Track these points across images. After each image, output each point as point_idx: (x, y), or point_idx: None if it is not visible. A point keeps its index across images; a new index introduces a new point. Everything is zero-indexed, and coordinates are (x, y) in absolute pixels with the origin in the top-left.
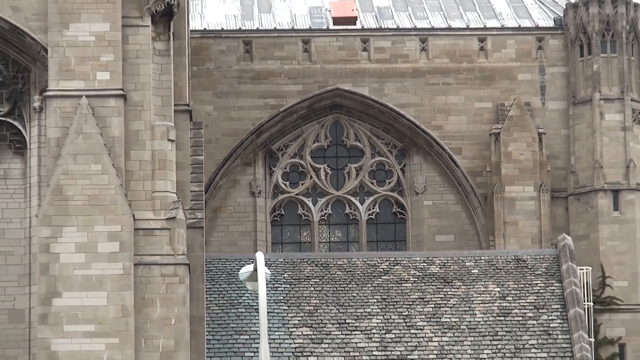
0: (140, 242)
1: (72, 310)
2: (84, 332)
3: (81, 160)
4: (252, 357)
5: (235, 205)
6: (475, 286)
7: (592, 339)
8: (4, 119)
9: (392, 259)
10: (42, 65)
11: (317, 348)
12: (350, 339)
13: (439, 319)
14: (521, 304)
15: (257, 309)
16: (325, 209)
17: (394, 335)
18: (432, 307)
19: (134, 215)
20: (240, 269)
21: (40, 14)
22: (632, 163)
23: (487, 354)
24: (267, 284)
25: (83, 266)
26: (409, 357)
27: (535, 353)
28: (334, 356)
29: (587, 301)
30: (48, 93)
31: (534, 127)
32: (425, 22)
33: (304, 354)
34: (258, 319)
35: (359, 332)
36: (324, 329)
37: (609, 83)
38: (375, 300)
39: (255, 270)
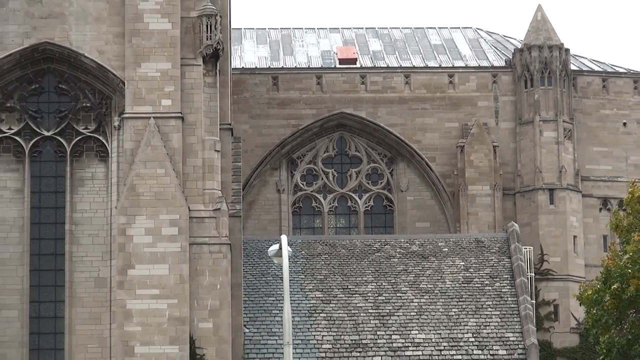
0: (193, 227)
1: (142, 279)
2: (151, 294)
3: (149, 166)
4: (277, 313)
5: (265, 200)
6: (446, 261)
7: (534, 301)
8: (91, 134)
9: (383, 240)
10: (120, 94)
11: (326, 307)
12: (351, 300)
13: (418, 285)
14: (480, 274)
15: (282, 277)
16: (333, 203)
17: (384, 298)
18: (412, 277)
19: (189, 207)
20: (269, 247)
21: (119, 56)
22: (563, 169)
23: (454, 312)
24: (288, 259)
25: (150, 245)
26: (395, 314)
27: (490, 312)
28: (339, 313)
29: (530, 272)
30: (125, 115)
31: (490, 142)
32: (408, 62)
33: (317, 311)
34: (282, 285)
35: (358, 295)
36: (331, 292)
37: (546, 108)
38: (370, 271)
39: (280, 248)
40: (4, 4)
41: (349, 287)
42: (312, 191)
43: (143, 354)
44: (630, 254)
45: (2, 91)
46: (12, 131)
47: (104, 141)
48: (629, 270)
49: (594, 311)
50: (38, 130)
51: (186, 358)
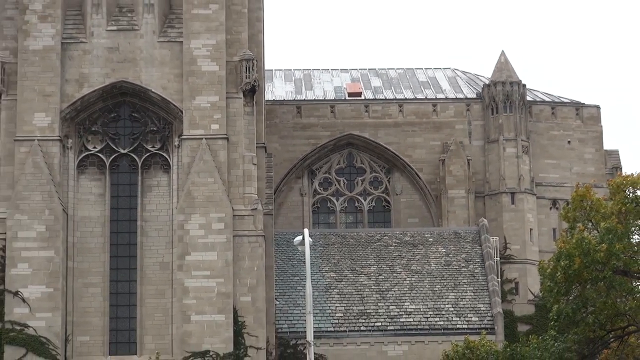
0: (236, 223)
1: (196, 263)
2: (203, 275)
3: (202, 176)
4: (301, 289)
5: (291, 202)
6: (431, 248)
7: (499, 279)
8: (157, 152)
9: (382, 233)
10: (179, 120)
11: (339, 284)
12: (358, 279)
13: (409, 267)
14: (457, 258)
15: (304, 261)
16: (343, 204)
17: (383, 277)
18: (405, 260)
19: (232, 208)
20: (294, 238)
21: (179, 91)
22: (522, 177)
23: (437, 288)
24: (309, 247)
25: (203, 237)
26: (392, 289)
27: (466, 288)
28: (348, 289)
29: (496, 257)
30: (183, 137)
31: (464, 156)
32: (401, 95)
33: (331, 287)
34: (304, 267)
35: (363, 275)
36: (342, 273)
37: (508, 130)
38: (372, 257)
39: (303, 239)
40: (90, 52)
41: (356, 269)
42: (327, 195)
43: (197, 321)
44: (575, 240)
45: (89, 118)
46: (96, 149)
47: (167, 157)
48: (575, 251)
49: (548, 283)
50: (116, 149)
51: (230, 324)
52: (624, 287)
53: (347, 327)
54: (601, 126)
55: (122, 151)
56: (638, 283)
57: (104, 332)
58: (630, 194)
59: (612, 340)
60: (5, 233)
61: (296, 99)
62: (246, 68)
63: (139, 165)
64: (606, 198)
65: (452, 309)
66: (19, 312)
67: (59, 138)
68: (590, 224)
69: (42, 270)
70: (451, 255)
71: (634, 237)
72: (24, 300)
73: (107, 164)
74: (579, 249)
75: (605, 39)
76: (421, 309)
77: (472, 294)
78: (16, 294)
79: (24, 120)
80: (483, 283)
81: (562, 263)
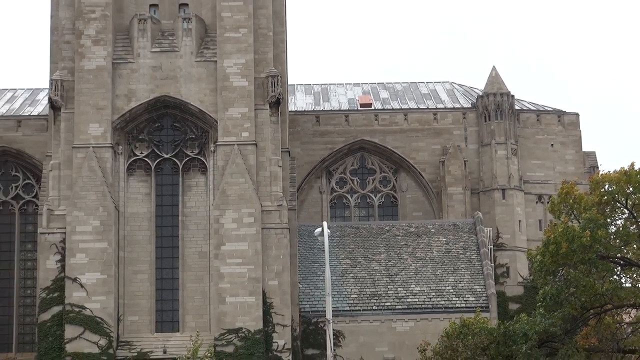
0: (264, 217)
1: (230, 252)
2: (236, 262)
3: (234, 177)
4: (320, 274)
5: (311, 199)
6: (433, 238)
7: (492, 264)
8: (196, 156)
9: (391, 225)
10: (215, 129)
11: (353, 270)
12: (370, 265)
13: (414, 254)
14: (456, 246)
15: (323, 250)
16: (357, 200)
17: (392, 263)
18: (411, 248)
19: (261, 204)
20: (314, 230)
21: (213, 104)
22: (511, 175)
23: (439, 272)
24: (328, 238)
25: (235, 230)
26: (399, 274)
27: (464, 271)
28: (361, 274)
29: (490, 245)
30: (218, 143)
31: (461, 158)
32: (406, 106)
33: (347, 272)
34: (324, 255)
35: (374, 261)
36: (357, 260)
37: (499, 135)
38: (382, 246)
39: (322, 230)
40: (136, 70)
41: (368, 256)
42: (342, 192)
43: (231, 303)
44: (562, 228)
45: (136, 128)
46: (143, 154)
47: (204, 160)
48: (561, 238)
49: (536, 265)
50: (160, 154)
51: (260, 305)
52: (604, 268)
53: (361, 306)
54: (580, 131)
55: (165, 156)
56: (616, 266)
57: (150, 313)
58: (607, 189)
59: (591, 317)
60: (65, 228)
61: (315, 109)
62: (272, 83)
63: (180, 168)
64: (587, 193)
65: (452, 290)
66: (77, 296)
67: (110, 145)
68: (572, 215)
69: (97, 259)
70: (450, 244)
71: (611, 227)
72: (81, 286)
73: (153, 167)
74: (565, 235)
75: (585, 52)
76: (425, 291)
77: (469, 277)
78: (75, 280)
79: (80, 130)
80: (478, 268)
81: (550, 248)
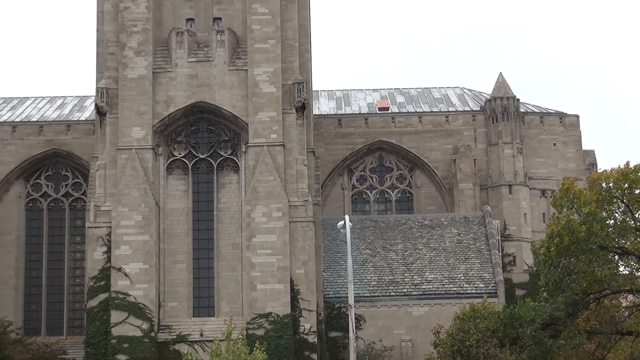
0: (292, 211)
1: (260, 244)
2: (266, 253)
3: (264, 175)
4: (343, 263)
5: (334, 194)
6: (446, 230)
7: (500, 254)
8: (229, 157)
9: (407, 218)
10: (246, 132)
11: (373, 259)
12: (388, 254)
13: (429, 245)
14: (467, 237)
15: (346, 241)
16: (376, 195)
17: (408, 253)
18: (425, 239)
19: (289, 200)
20: (337, 223)
21: (245, 109)
22: (517, 172)
23: (451, 261)
24: (350, 230)
25: (265, 223)
26: (415, 262)
27: (474, 260)
28: (380, 263)
29: (498, 236)
30: (249, 144)
31: (471, 157)
32: (420, 109)
33: (367, 262)
34: (346, 246)
35: (392, 251)
36: (376, 250)
37: (505, 135)
38: (399, 237)
39: (344, 223)
40: (174, 79)
41: (386, 246)
42: (363, 188)
43: (262, 290)
44: (564, 222)
45: (174, 131)
46: (181, 155)
47: (236, 160)
48: (564, 231)
49: (542, 257)
50: (196, 155)
51: (288, 292)
52: (603, 257)
53: (380, 293)
54: (580, 131)
55: (201, 156)
56: (614, 255)
57: (188, 299)
58: (605, 186)
59: (591, 301)
60: (110, 222)
61: (337, 113)
62: (297, 90)
63: (215, 167)
64: (586, 189)
65: (463, 278)
66: (122, 284)
67: (151, 147)
68: (573, 208)
69: (139, 250)
70: (462, 235)
71: (609, 220)
72: (126, 275)
73: (190, 167)
74: (567, 229)
75: (585, 58)
76: (438, 278)
77: (479, 265)
78: (119, 269)
79: (124, 133)
80: (487, 257)
81: (555, 240)
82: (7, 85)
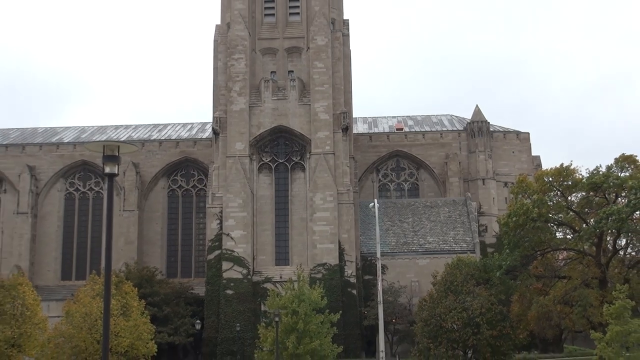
0: (339, 197)
1: (319, 217)
2: (322, 223)
3: (321, 173)
4: (373, 231)
5: (367, 186)
6: (441, 209)
7: (477, 224)
8: (298, 161)
9: (415, 201)
10: (309, 144)
11: (393, 227)
12: (402, 225)
13: (430, 219)
14: (455, 214)
15: (375, 215)
16: (394, 186)
17: (415, 224)
18: (427, 215)
19: (337, 189)
20: (369, 204)
21: (309, 129)
22: (488, 171)
23: (445, 229)
24: (377, 209)
25: (322, 204)
26: (420, 230)
27: (459, 229)
28: (397, 230)
29: (475, 213)
30: (312, 153)
31: (457, 160)
32: (424, 129)
33: (388, 230)
34: (375, 219)
35: (405, 223)
36: (394, 221)
37: (480, 146)
38: (410, 214)
39: (374, 205)
40: (263, 111)
41: (401, 220)
42: (385, 182)
43: (320, 248)
44: (519, 205)
45: (263, 144)
46: (267, 160)
47: (303, 163)
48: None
49: (505, 229)
50: (277, 160)
51: (337, 249)
52: (546, 227)
53: (397, 250)
54: (530, 143)
55: (281, 161)
56: (553, 225)
57: (272, 254)
58: (546, 180)
59: (538, 256)
60: (222, 204)
61: (369, 132)
62: (342, 117)
63: (289, 168)
64: (533, 182)
65: (452, 240)
66: (229, 244)
67: (248, 155)
68: (525, 195)
69: (240, 222)
70: (451, 212)
71: (550, 202)
72: (232, 238)
73: (273, 168)
74: (521, 209)
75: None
76: (436, 240)
77: (463, 232)
78: (228, 235)
79: (230, 146)
80: (468, 226)
81: (513, 218)
82: (155, 114)
